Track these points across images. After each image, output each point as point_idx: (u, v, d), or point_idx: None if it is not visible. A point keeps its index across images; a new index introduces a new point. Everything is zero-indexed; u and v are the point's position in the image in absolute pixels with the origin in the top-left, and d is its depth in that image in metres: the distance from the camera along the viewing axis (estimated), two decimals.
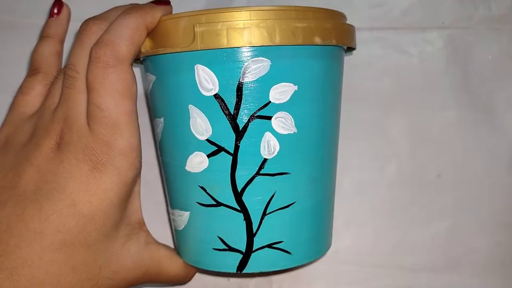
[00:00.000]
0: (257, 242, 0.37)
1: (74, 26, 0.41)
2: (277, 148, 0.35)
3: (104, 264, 0.36)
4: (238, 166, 0.35)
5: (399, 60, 0.49)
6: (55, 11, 0.42)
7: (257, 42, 0.33)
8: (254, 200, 0.36)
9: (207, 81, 0.34)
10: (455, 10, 0.49)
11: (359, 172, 0.49)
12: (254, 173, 0.35)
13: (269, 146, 0.35)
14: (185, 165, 0.36)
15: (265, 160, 0.35)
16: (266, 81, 0.34)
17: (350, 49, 0.40)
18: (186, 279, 0.43)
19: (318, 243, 0.39)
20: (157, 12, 0.35)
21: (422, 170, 0.49)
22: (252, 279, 0.49)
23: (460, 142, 0.49)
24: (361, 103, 0.49)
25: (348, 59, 0.47)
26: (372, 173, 0.49)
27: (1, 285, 0.31)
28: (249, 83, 0.34)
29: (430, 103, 0.49)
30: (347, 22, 0.39)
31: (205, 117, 0.35)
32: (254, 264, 0.37)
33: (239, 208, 0.36)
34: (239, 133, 0.34)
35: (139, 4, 0.36)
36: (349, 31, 0.38)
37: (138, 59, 0.38)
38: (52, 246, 0.33)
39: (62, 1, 0.42)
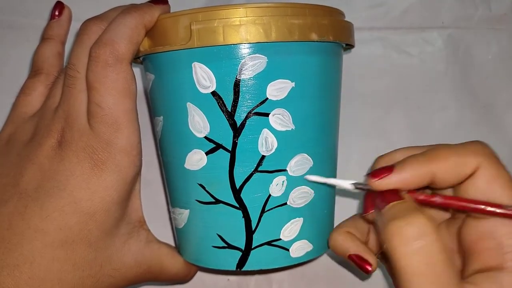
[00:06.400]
0: (256, 239, 0.37)
1: (74, 26, 0.41)
2: (275, 145, 0.35)
3: (105, 261, 0.36)
4: (236, 163, 0.35)
5: (399, 60, 0.49)
6: (56, 13, 0.42)
7: (253, 38, 0.33)
8: (252, 197, 0.36)
9: (205, 78, 0.34)
10: (455, 10, 0.49)
11: (359, 172, 0.49)
12: (252, 170, 0.35)
13: (266, 143, 0.35)
14: (184, 163, 0.36)
15: (263, 157, 0.35)
16: (263, 78, 0.34)
17: (349, 46, 0.40)
18: (187, 278, 0.43)
19: (317, 241, 0.39)
20: (155, 11, 0.36)
21: None
22: (252, 279, 0.48)
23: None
24: (361, 102, 0.49)
25: (348, 59, 0.47)
26: None
27: (3, 282, 0.32)
28: (246, 80, 0.34)
29: (430, 103, 0.49)
30: (346, 19, 0.39)
31: (203, 114, 0.35)
32: (254, 261, 0.37)
33: (237, 205, 0.36)
34: (237, 130, 0.35)
35: (137, 4, 0.37)
36: (347, 27, 0.38)
37: (138, 59, 0.39)
38: (54, 244, 0.33)
39: (63, 3, 0.43)
